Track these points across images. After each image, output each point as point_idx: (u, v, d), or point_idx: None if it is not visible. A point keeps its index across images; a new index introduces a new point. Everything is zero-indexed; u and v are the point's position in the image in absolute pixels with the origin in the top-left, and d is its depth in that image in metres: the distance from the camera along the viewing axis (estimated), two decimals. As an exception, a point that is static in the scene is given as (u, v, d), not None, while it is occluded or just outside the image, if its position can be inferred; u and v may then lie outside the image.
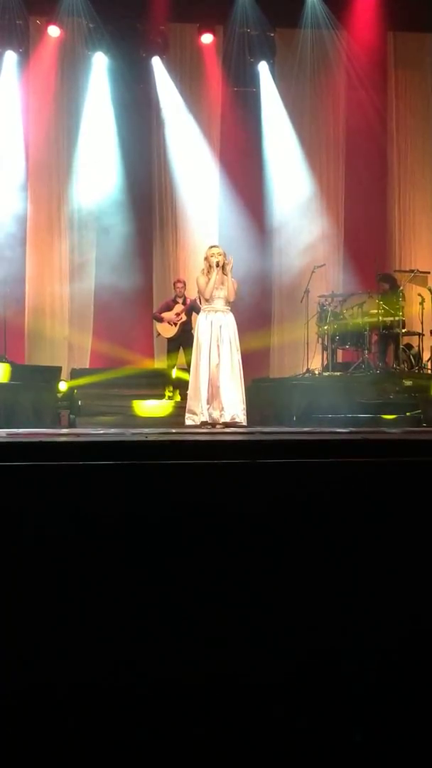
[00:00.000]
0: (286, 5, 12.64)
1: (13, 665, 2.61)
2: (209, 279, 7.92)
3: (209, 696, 2.68)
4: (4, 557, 2.66)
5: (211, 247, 8.27)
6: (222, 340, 7.89)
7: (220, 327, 7.92)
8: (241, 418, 7.83)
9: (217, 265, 7.91)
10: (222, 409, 7.77)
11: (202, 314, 8.09)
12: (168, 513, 2.76)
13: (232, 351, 7.93)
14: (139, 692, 2.66)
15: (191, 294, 10.58)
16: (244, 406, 7.93)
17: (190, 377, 8.16)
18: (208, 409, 7.80)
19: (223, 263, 7.92)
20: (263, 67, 12.91)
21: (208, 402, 7.82)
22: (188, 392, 8.11)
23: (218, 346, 7.87)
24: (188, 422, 7.88)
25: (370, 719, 2.73)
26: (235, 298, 8.06)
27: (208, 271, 7.96)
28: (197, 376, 7.93)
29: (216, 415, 7.77)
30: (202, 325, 8.00)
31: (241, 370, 7.97)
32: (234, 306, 8.10)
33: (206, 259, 8.00)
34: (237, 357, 7.95)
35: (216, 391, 7.81)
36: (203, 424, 7.74)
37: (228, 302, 7.96)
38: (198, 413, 7.81)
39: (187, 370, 8.41)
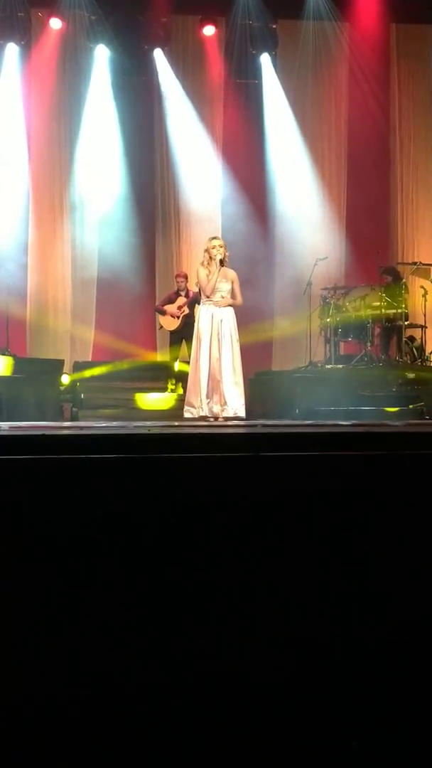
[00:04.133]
0: (288, -3, 12.63)
1: (11, 662, 2.61)
2: (210, 272, 7.91)
3: (209, 696, 2.68)
4: (6, 551, 2.66)
5: (213, 238, 8.24)
6: (223, 334, 7.88)
7: (221, 321, 7.91)
8: (242, 412, 7.84)
9: (221, 263, 7.90)
10: (225, 404, 7.77)
11: (202, 307, 8.07)
12: (170, 506, 2.76)
13: (233, 344, 7.93)
14: (138, 691, 2.66)
15: (193, 287, 10.57)
16: (243, 400, 7.93)
17: (189, 370, 8.16)
18: (208, 403, 7.79)
19: (224, 257, 7.91)
20: (265, 59, 12.86)
21: (208, 396, 7.81)
22: (187, 385, 8.10)
23: (219, 340, 7.87)
24: (187, 415, 7.88)
25: (367, 725, 2.73)
26: (242, 301, 8.09)
27: (209, 263, 7.95)
28: (197, 369, 7.92)
29: (216, 409, 7.77)
30: (202, 318, 7.99)
31: (240, 363, 7.98)
32: (241, 296, 8.11)
33: (207, 251, 7.98)
34: (237, 350, 7.95)
35: (216, 385, 7.81)
36: (202, 418, 7.75)
37: (230, 297, 7.97)
38: (197, 406, 7.81)
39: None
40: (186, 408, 7.95)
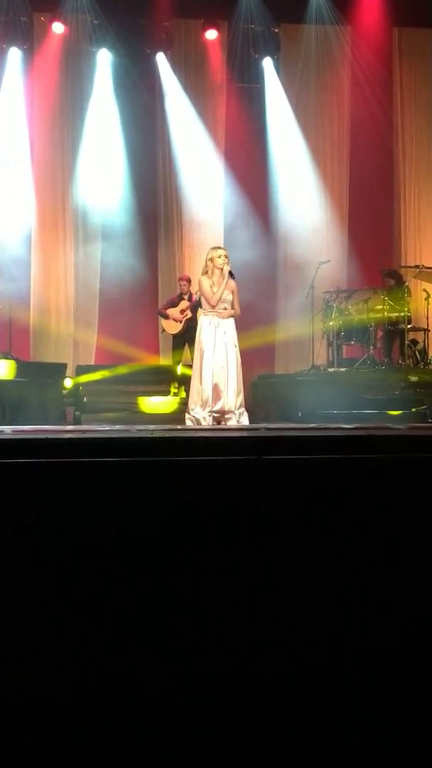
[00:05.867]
0: (291, 1, 12.63)
1: (12, 666, 2.62)
2: (213, 283, 7.89)
3: (209, 697, 2.68)
4: (8, 554, 2.66)
5: (216, 248, 8.20)
6: (228, 344, 7.88)
7: (225, 332, 7.91)
8: (246, 422, 7.85)
9: (231, 275, 7.89)
10: (230, 413, 7.77)
11: (204, 318, 8.04)
12: (173, 509, 2.77)
13: (237, 355, 7.94)
14: (139, 692, 2.66)
15: (195, 293, 10.57)
16: (244, 409, 7.95)
17: (191, 380, 8.15)
18: (210, 413, 7.78)
19: (226, 267, 7.90)
20: (267, 63, 12.88)
21: (211, 404, 7.80)
22: (190, 395, 8.10)
23: (224, 351, 7.85)
24: (188, 423, 7.88)
25: (367, 718, 2.73)
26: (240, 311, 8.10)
27: (212, 273, 7.92)
28: (199, 379, 7.91)
29: (218, 417, 7.78)
30: (204, 329, 7.97)
31: (241, 372, 8.00)
32: (239, 305, 8.12)
33: (211, 260, 7.94)
34: (239, 360, 7.97)
35: (219, 395, 7.81)
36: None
37: (232, 308, 7.97)
38: (199, 416, 7.80)
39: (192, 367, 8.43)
40: (187, 417, 7.95)
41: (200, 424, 7.73)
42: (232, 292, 7.96)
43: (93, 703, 2.64)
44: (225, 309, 7.94)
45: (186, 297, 11.01)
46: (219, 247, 8.29)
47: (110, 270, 12.22)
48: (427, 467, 2.98)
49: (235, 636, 2.71)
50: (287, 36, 12.92)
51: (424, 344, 10.75)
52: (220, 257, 7.91)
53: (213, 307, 7.92)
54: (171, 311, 11.03)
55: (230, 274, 7.90)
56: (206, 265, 8.00)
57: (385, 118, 13.02)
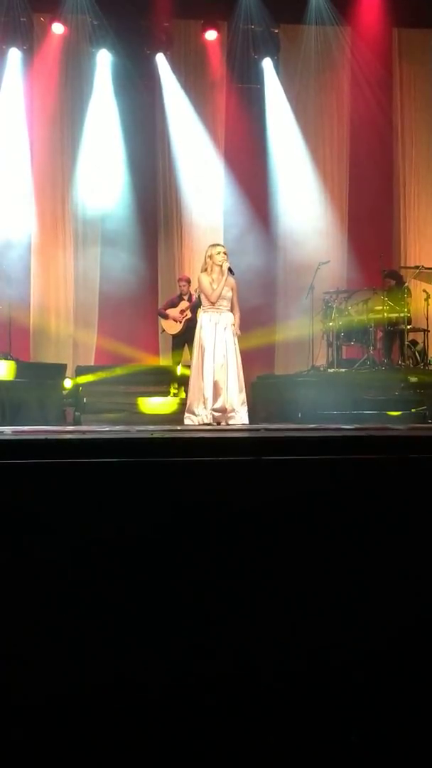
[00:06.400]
0: (290, 1, 12.64)
1: (12, 666, 2.62)
2: (213, 280, 7.89)
3: (209, 697, 2.68)
4: (9, 555, 2.66)
5: (215, 245, 8.21)
6: (227, 341, 7.88)
7: (224, 329, 7.91)
8: (246, 419, 7.84)
9: (230, 271, 7.89)
10: (232, 411, 7.77)
11: (204, 315, 8.04)
12: (173, 510, 2.77)
13: (236, 351, 7.93)
14: (140, 692, 2.66)
15: (195, 291, 10.57)
16: (246, 407, 7.95)
17: (191, 378, 8.14)
18: (211, 411, 7.77)
19: (225, 264, 7.90)
20: (267, 64, 12.89)
21: (212, 402, 7.80)
22: (189, 392, 8.09)
23: (225, 347, 7.85)
24: (187, 422, 7.86)
25: (367, 718, 2.73)
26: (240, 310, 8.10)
27: (211, 270, 7.93)
28: (200, 377, 7.90)
29: (218, 416, 7.77)
30: (205, 326, 7.97)
31: (242, 369, 8.00)
32: (239, 303, 8.12)
33: (210, 257, 7.95)
34: (239, 357, 7.97)
35: (220, 393, 7.81)
36: (205, 425, 7.73)
37: (232, 307, 7.97)
38: (198, 414, 7.79)
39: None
40: (187, 415, 7.94)
41: (201, 423, 7.73)
42: (232, 290, 7.96)
43: (93, 704, 2.64)
44: (225, 306, 7.94)
45: (186, 297, 11.01)
46: (218, 244, 8.30)
47: (110, 270, 12.21)
48: (427, 467, 2.98)
49: (235, 636, 2.71)
50: (287, 36, 12.92)
51: (424, 345, 10.75)
52: (219, 254, 7.91)
53: (213, 303, 7.93)
54: (171, 311, 11.03)
55: (230, 270, 7.91)
56: (205, 262, 8.01)
57: (385, 119, 13.01)
